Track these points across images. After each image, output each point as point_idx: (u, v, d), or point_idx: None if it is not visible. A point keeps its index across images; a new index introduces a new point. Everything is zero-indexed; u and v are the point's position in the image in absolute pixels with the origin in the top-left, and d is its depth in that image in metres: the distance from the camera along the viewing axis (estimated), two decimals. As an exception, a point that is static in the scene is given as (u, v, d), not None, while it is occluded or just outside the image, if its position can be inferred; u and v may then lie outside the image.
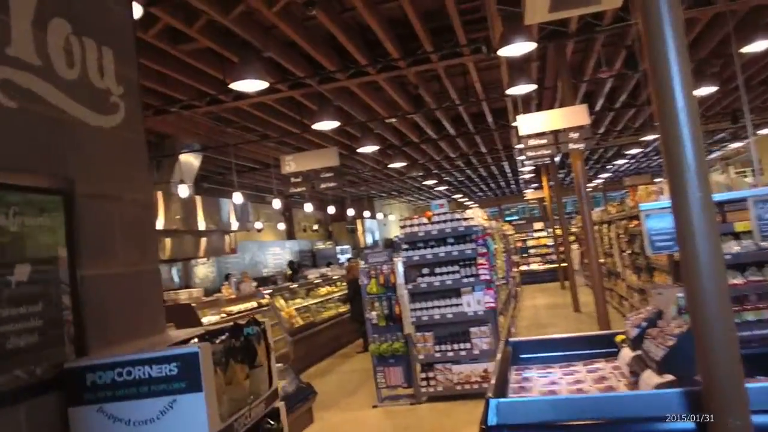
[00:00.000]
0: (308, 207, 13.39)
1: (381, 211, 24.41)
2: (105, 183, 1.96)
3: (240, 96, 8.19)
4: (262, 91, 8.15)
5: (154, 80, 7.29)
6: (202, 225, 11.51)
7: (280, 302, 10.22)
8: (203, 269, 14.31)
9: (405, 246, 7.08)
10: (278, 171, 9.52)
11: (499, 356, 3.54)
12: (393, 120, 10.64)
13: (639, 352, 2.87)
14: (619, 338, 3.29)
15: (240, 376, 1.74)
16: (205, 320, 7.63)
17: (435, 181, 19.74)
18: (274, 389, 2.04)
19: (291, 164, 8.47)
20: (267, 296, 9.18)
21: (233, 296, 8.65)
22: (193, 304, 7.34)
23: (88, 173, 1.88)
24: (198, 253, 12.33)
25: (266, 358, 1.98)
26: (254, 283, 9.15)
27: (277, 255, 18.31)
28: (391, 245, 7.81)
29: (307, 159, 8.61)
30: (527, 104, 10.34)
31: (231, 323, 1.98)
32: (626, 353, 3.02)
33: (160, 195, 10.24)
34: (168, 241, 10.90)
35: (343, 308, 12.34)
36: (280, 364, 4.90)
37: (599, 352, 3.53)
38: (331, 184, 8.67)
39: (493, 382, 2.81)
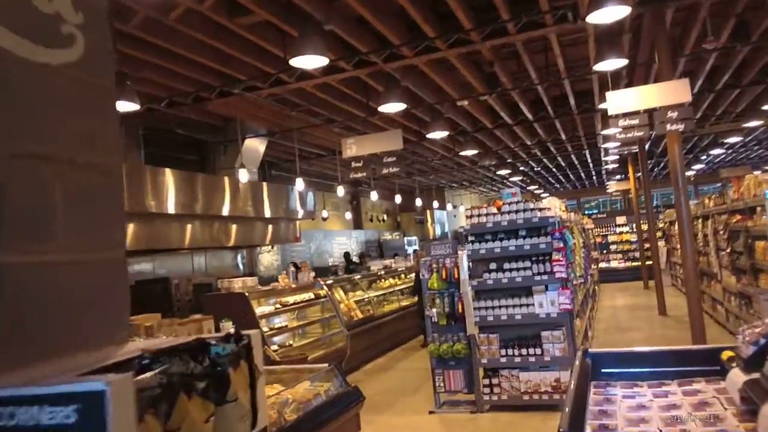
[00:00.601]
0: (374, 195, 12.91)
1: (451, 201, 23.63)
2: (45, 140, 1.47)
3: (303, 76, 7.77)
4: (326, 71, 7.69)
5: (212, 58, 6.98)
6: (267, 212, 11.30)
7: (340, 294, 9.80)
8: (268, 257, 14.18)
9: (471, 238, 6.41)
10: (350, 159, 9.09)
11: (575, 369, 2.94)
12: (465, 102, 9.92)
13: (756, 375, 2.17)
14: (725, 355, 2.56)
15: (196, 417, 1.20)
16: (258, 310, 7.31)
17: (509, 171, 18.76)
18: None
19: (352, 148, 7.97)
20: (325, 287, 8.77)
21: (291, 286, 8.29)
22: (246, 294, 7.01)
23: (20, 125, 1.39)
24: (263, 240, 12.17)
25: (248, 388, 1.43)
26: (312, 273, 8.76)
27: (343, 244, 18.01)
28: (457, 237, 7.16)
29: (369, 142, 8.08)
30: (616, 84, 9.32)
31: (190, 340, 1.43)
32: (737, 375, 2.31)
33: (226, 180, 10.05)
34: (234, 227, 10.74)
35: (406, 301, 11.81)
36: (324, 365, 4.39)
37: (698, 370, 2.87)
38: (394, 170, 8.09)
39: (568, 408, 2.19)
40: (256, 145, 10.77)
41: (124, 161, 9.02)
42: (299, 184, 10.16)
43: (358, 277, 11.06)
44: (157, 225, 8.99)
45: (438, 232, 23.18)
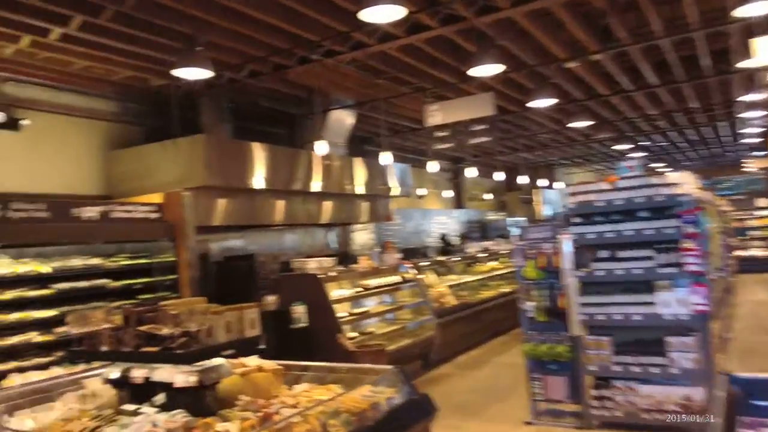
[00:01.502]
0: (472, 172, 11.89)
1: (562, 180, 21.88)
2: None
3: (385, 38, 6.98)
4: (410, 30, 6.84)
5: (281, 17, 6.37)
6: (361, 188, 10.74)
7: (431, 278, 9.02)
8: (363, 236, 13.67)
9: (576, 219, 5.34)
10: (434, 128, 8.21)
11: (720, 401, 2.27)
12: (574, 64, 8.64)
13: None
14: None
15: None
16: (336, 293, 6.71)
17: (629, 146, 16.82)
18: None
19: (436, 115, 7.05)
20: (411, 270, 8.02)
21: (374, 267, 7.63)
22: (320, 275, 6.43)
23: None
24: (355, 218, 11.66)
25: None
26: (398, 254, 8.03)
27: (442, 224, 17.15)
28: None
29: (456, 108, 7.10)
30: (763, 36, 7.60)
31: None
32: None
33: (315, 155, 9.58)
34: (325, 204, 10.29)
35: (507, 287, 10.79)
36: (388, 366, 3.63)
37: None
38: (484, 140, 7.07)
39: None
40: (342, 118, 10.16)
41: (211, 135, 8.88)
42: (386, 158, 9.41)
43: (454, 259, 10.20)
44: (246, 200, 8.69)
45: (548, 212, 21.59)
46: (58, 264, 6.30)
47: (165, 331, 3.21)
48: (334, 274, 6.72)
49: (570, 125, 12.13)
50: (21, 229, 5.94)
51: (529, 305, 5.49)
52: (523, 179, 15.29)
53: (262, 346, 3.64)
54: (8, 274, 5.82)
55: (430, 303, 8.03)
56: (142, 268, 7.36)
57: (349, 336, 6.56)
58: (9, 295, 5.86)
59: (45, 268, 6.14)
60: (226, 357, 3.21)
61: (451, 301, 8.82)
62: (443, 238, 16.23)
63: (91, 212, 6.65)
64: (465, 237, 17.36)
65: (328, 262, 6.79)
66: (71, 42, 6.66)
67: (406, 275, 8.08)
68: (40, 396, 3.28)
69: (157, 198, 7.67)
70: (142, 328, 3.29)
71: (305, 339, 6.16)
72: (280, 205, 9.40)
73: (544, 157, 19.36)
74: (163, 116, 8.71)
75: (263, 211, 9.06)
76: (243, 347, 3.42)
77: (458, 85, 8.99)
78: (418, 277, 8.07)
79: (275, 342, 6.01)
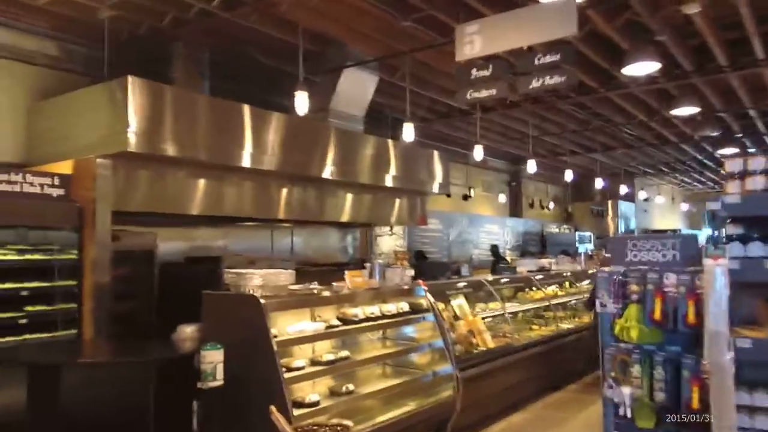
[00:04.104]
0: (531, 166, 9.07)
1: (643, 191, 18.50)
2: None
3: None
4: None
5: None
6: (388, 179, 8.18)
7: (460, 307, 6.31)
8: (389, 241, 11.09)
9: (734, 230, 2.57)
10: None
11: None
12: (696, 8, 5.79)
13: None
14: None
15: None
16: (291, 329, 4.15)
17: (734, 151, 13.40)
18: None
19: (474, 42, 4.30)
20: (427, 294, 5.37)
21: (366, 287, 5.04)
22: (266, 298, 3.88)
23: None
24: (382, 218, 9.10)
25: None
26: (410, 270, 5.39)
27: (493, 234, 14.34)
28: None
29: (508, 27, 4.25)
30: None
31: None
32: None
33: (331, 129, 7.13)
34: (339, 197, 7.81)
35: (569, 322, 7.96)
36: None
37: None
38: (558, 80, 4.27)
39: None
40: (361, 81, 7.59)
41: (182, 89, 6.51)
42: (409, 132, 6.78)
43: (501, 280, 7.44)
44: (220, 182, 6.34)
45: (621, 228, 18.31)
46: None
47: None
48: (287, 297, 4.15)
49: (673, 111, 9.08)
50: None
51: (622, 393, 2.75)
52: (598, 183, 12.24)
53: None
54: None
55: (451, 345, 5.34)
56: (39, 266, 5.07)
57: (307, 401, 3.98)
58: None
59: None
60: None
61: (487, 341, 6.08)
62: (494, 250, 13.38)
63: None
64: (525, 251, 14.45)
65: (285, 276, 4.22)
66: None
67: (419, 300, 5.43)
68: None
69: (65, 167, 5.38)
70: None
71: (219, 410, 3.63)
72: (276, 193, 6.98)
73: (624, 162, 16.15)
74: (119, 63, 6.45)
75: (250, 199, 6.67)
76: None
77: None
78: (433, 305, 5.39)
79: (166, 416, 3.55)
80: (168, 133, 5.46)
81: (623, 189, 14.25)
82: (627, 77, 7.94)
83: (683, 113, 9.17)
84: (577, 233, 17.12)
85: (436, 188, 9.23)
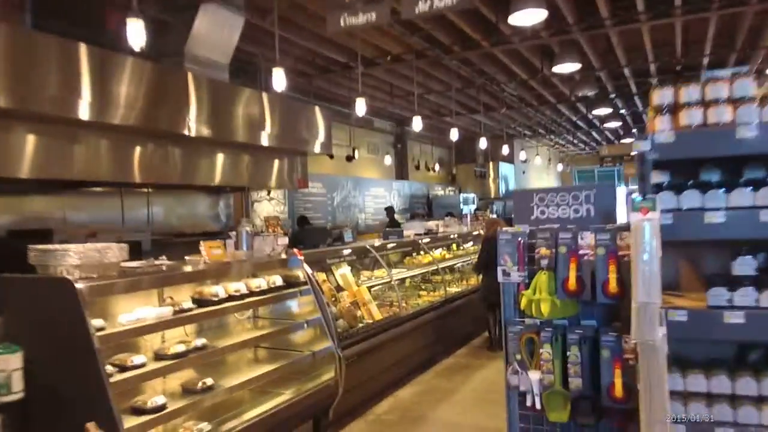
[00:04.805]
0: (417, 123, 8.55)
1: (522, 151, 18.90)
2: None
3: None
4: None
5: None
6: (265, 138, 7.22)
7: (343, 276, 5.70)
8: (268, 207, 10.21)
9: (660, 177, 2.10)
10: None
11: None
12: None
13: None
14: None
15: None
16: (125, 318, 3.27)
17: (608, 111, 13.84)
18: None
19: None
20: (304, 265, 4.68)
21: (238, 259, 4.25)
22: (83, 281, 2.96)
23: None
24: (258, 181, 8.15)
25: None
26: (283, 239, 4.65)
27: (380, 198, 13.88)
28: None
29: None
30: None
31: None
32: None
33: (189, 77, 6.04)
34: (207, 158, 6.78)
35: (457, 285, 7.69)
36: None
37: None
38: (449, 1, 3.67)
39: None
40: (223, 21, 6.54)
41: None
42: (278, 79, 5.93)
43: (378, 247, 6.90)
44: (62, 142, 5.12)
45: (502, 189, 18.66)
46: None
47: None
48: (117, 278, 3.25)
49: (554, 68, 8.94)
50: None
51: (529, 379, 2.25)
52: (482, 143, 12.09)
53: None
54: None
55: (332, 321, 4.71)
56: None
57: (149, 406, 3.17)
58: None
59: None
60: None
61: (373, 313, 5.55)
62: (390, 212, 12.89)
63: None
64: (416, 213, 14.14)
65: (114, 252, 3.31)
66: None
67: (295, 272, 4.73)
68: None
69: None
70: None
71: (22, 430, 2.73)
72: (128, 152, 5.84)
73: (504, 123, 16.29)
74: None
75: (95, 160, 5.49)
76: None
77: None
78: (310, 277, 4.71)
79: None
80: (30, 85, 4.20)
81: (505, 150, 14.31)
82: (512, 29, 7.61)
83: (564, 70, 9.07)
84: (461, 195, 17.17)
85: (317, 148, 8.42)
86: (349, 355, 4.75)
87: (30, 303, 3.11)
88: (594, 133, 19.28)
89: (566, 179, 26.69)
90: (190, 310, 3.69)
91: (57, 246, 3.12)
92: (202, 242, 4.04)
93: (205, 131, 6.28)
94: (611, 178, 21.76)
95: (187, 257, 4.10)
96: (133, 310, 3.41)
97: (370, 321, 5.45)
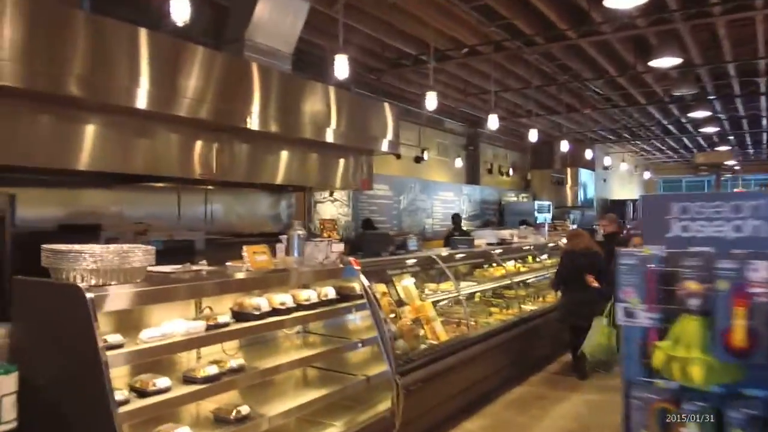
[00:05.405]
0: (493, 121, 7.81)
1: (607, 156, 17.64)
2: None
3: None
4: None
5: None
6: (331, 135, 6.68)
7: (406, 289, 5.09)
8: (331, 209, 9.76)
9: None
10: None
11: None
12: None
13: None
14: None
15: None
16: (147, 335, 2.80)
17: (706, 115, 12.53)
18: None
19: None
20: (360, 276, 4.12)
21: (286, 267, 3.75)
22: (88, 291, 2.50)
23: None
24: (322, 180, 7.61)
25: None
26: (338, 245, 4.09)
27: (449, 203, 13.18)
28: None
29: None
30: None
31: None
32: None
33: (254, 67, 5.62)
34: (271, 155, 6.34)
35: (532, 303, 6.93)
36: None
37: None
38: None
39: None
40: (287, 7, 6.10)
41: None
42: (341, 65, 5.39)
43: (457, 255, 6.23)
44: (116, 133, 4.83)
45: (580, 198, 17.49)
46: None
47: None
48: (141, 285, 2.78)
49: (650, 63, 7.98)
50: None
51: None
52: (564, 146, 11.17)
53: None
54: None
55: (388, 341, 4.11)
56: None
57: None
58: None
59: None
60: None
61: (437, 333, 4.90)
62: (456, 219, 12.14)
63: None
64: (488, 221, 13.33)
65: (139, 255, 2.84)
66: None
67: (349, 285, 4.17)
68: None
69: None
70: None
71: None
72: (187, 146, 5.45)
73: (587, 126, 15.18)
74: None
75: (152, 154, 5.13)
76: None
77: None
78: (369, 290, 4.13)
79: None
80: (35, 59, 3.87)
81: (589, 154, 13.25)
82: (604, 16, 6.77)
83: (662, 65, 8.08)
84: (535, 202, 16.18)
85: (385, 146, 7.73)
86: (409, 382, 4.13)
87: (37, 312, 2.70)
88: (685, 140, 17.72)
89: (650, 189, 24.95)
90: (226, 325, 3.19)
91: (71, 246, 2.68)
92: (245, 247, 3.54)
93: (269, 126, 5.82)
94: (701, 190, 20.07)
95: (228, 263, 3.61)
96: (161, 324, 2.94)
97: (435, 342, 4.81)
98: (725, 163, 18.67)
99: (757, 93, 11.19)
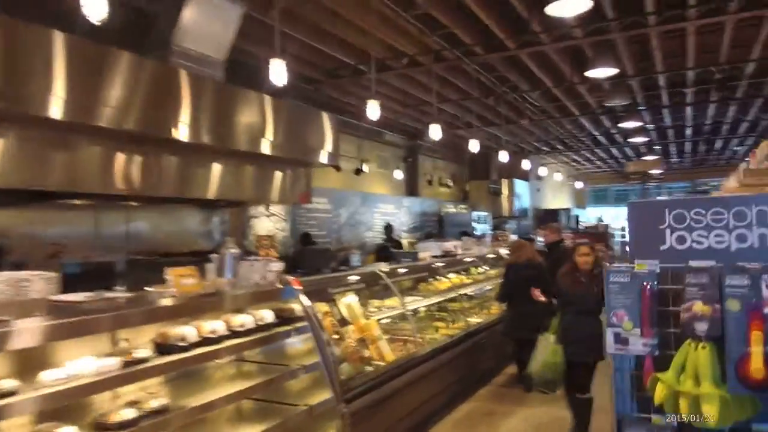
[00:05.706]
0: (435, 131, 7.66)
1: (543, 167, 17.97)
2: None
3: None
4: None
5: None
6: (267, 147, 6.32)
7: (350, 307, 4.77)
8: (267, 224, 9.33)
9: None
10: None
11: None
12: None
13: None
14: None
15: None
16: (54, 375, 2.37)
17: (636, 125, 12.92)
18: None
19: None
20: (301, 297, 3.79)
21: (215, 290, 3.36)
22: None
23: None
24: (259, 195, 7.22)
25: None
26: (276, 263, 3.75)
27: (389, 215, 12.98)
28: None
29: None
30: None
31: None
32: None
33: (182, 74, 5.19)
34: (202, 168, 5.92)
35: (478, 316, 6.77)
36: None
37: None
38: None
39: None
40: (218, 12, 5.71)
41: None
42: (276, 70, 5.07)
43: (388, 272, 5.98)
44: (26, 145, 4.28)
45: (516, 207, 17.72)
46: None
47: None
48: (36, 320, 2.34)
49: (588, 72, 8.07)
50: None
51: None
52: (503, 157, 11.20)
53: None
54: None
55: (332, 366, 3.79)
56: None
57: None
58: None
59: None
60: None
61: (384, 353, 4.61)
62: (387, 230, 12.03)
63: None
64: (429, 233, 13.20)
65: (37, 283, 2.39)
66: None
67: (291, 305, 3.83)
68: None
69: None
70: None
71: None
72: (106, 159, 4.96)
73: (522, 137, 15.42)
74: None
75: (64, 167, 4.62)
76: None
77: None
78: (309, 312, 3.80)
79: None
80: None
81: (526, 165, 13.41)
82: (543, 26, 6.77)
83: (598, 75, 8.20)
84: (473, 213, 16.24)
85: (324, 158, 7.47)
86: (354, 409, 3.82)
87: None
88: (614, 150, 18.34)
89: (581, 198, 25.73)
90: (146, 360, 2.79)
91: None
92: (169, 269, 3.14)
93: (200, 137, 5.43)
94: (628, 198, 20.76)
95: (150, 288, 3.20)
96: (66, 363, 2.51)
97: (381, 363, 4.52)
98: (650, 171, 19.48)
99: (683, 104, 11.63)
